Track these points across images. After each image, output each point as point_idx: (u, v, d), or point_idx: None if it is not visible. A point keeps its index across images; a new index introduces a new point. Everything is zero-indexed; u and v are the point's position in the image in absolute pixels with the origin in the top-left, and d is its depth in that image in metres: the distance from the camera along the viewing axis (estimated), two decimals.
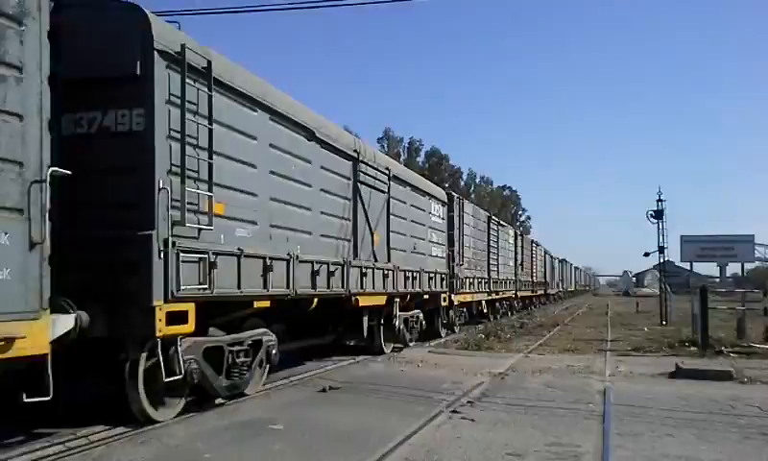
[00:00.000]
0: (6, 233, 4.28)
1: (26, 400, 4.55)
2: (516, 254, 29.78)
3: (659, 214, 23.61)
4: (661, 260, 24.80)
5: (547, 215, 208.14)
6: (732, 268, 60.70)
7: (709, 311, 13.79)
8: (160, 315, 5.73)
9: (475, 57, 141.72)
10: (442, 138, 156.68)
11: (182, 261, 5.98)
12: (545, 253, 43.80)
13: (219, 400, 7.21)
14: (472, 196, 69.95)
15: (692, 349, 13.18)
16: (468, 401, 7.64)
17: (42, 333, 4.55)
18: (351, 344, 12.31)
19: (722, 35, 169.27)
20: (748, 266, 62.84)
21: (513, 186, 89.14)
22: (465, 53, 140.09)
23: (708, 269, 63.82)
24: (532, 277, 35.23)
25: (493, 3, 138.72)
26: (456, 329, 18.32)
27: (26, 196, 4.45)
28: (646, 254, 26.73)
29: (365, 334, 11.54)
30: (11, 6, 4.39)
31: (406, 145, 69.51)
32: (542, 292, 40.91)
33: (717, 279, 54.57)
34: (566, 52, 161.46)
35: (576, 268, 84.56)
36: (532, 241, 37.34)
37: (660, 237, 23.85)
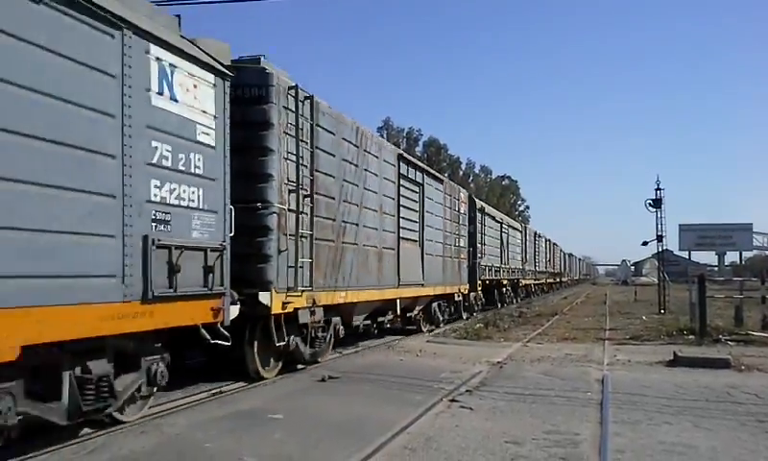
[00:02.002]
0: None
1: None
2: (546, 253, 43.06)
3: (657, 203, 23.57)
4: (660, 249, 24.79)
5: (546, 204, 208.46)
6: (731, 256, 61.07)
7: (707, 300, 13.83)
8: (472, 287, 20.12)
9: (474, 47, 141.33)
10: (441, 128, 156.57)
11: (481, 268, 21.16)
12: (561, 250, 57.92)
13: (224, 388, 7.25)
14: (471, 185, 69.85)
15: (690, 337, 13.23)
16: (467, 390, 7.68)
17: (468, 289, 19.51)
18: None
19: (722, 24, 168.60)
20: (746, 254, 63.29)
21: (512, 176, 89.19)
22: (464, 43, 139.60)
23: (706, 258, 64.14)
24: (553, 268, 49.43)
25: None
26: (519, 299, 30.89)
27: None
28: (644, 243, 26.65)
29: (495, 296, 24.81)
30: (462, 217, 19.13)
31: (405, 135, 69.40)
32: (559, 280, 55.04)
33: (716, 268, 54.82)
34: (566, 42, 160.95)
35: (579, 259, 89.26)
36: (554, 243, 50.23)
37: (659, 226, 23.86)
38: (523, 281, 31.98)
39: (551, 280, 48.52)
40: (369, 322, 11.71)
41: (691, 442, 5.42)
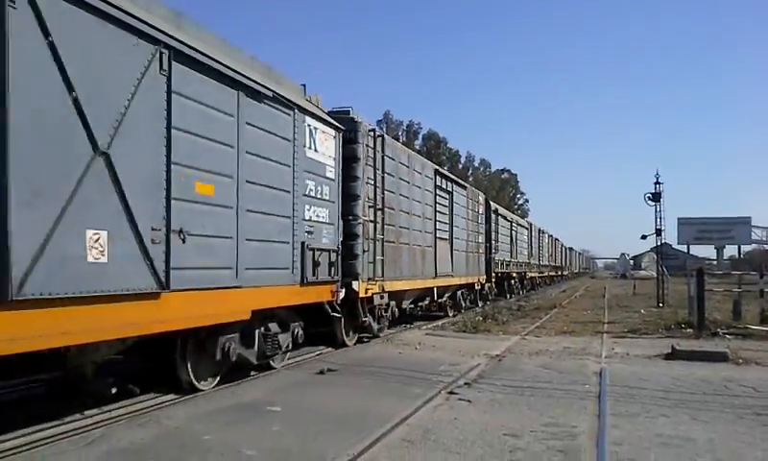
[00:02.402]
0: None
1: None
2: (548, 248, 46.68)
3: (656, 197, 23.52)
4: (659, 243, 24.78)
5: (546, 197, 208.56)
6: (730, 250, 60.95)
7: (706, 293, 13.84)
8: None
9: (474, 40, 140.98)
10: (440, 121, 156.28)
11: (495, 262, 23.96)
12: (562, 245, 61.86)
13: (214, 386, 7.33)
14: (471, 179, 69.85)
15: (688, 330, 13.24)
16: (466, 383, 7.70)
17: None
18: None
19: (722, 20, 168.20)
20: (745, 248, 63.14)
21: (511, 169, 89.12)
22: (463, 37, 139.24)
23: (705, 251, 63.93)
24: (555, 262, 53.36)
25: None
26: (525, 290, 33.64)
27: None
28: (643, 237, 26.61)
29: (505, 287, 27.42)
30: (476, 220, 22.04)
31: (405, 129, 69.33)
32: (560, 273, 59.24)
33: (714, 262, 54.78)
34: (566, 35, 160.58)
35: (578, 253, 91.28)
36: (555, 238, 53.79)
37: (658, 220, 23.82)
38: (529, 274, 35.51)
39: (553, 273, 52.63)
40: (412, 305, 14.55)
41: (689, 434, 5.44)
